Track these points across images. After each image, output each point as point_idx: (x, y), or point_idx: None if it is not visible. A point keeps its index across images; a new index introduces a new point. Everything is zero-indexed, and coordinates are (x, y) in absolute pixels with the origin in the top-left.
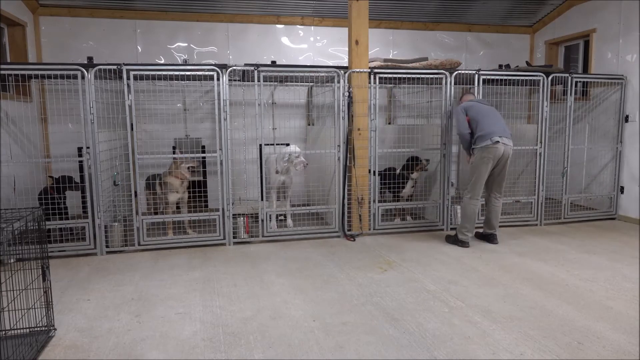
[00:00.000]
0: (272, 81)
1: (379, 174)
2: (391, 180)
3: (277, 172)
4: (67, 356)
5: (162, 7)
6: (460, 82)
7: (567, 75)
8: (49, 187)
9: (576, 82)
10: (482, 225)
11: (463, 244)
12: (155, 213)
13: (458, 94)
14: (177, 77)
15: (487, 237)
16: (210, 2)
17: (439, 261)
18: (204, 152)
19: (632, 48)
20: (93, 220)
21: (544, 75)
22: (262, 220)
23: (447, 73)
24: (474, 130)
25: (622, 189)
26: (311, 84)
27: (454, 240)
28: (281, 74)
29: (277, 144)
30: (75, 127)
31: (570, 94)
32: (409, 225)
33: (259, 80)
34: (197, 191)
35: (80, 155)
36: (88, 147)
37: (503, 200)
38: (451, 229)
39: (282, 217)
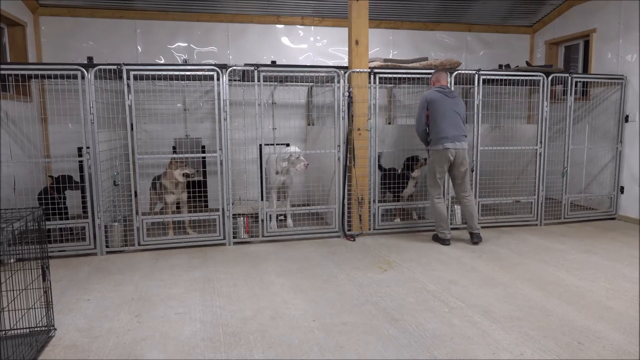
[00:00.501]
0: (272, 81)
1: (380, 172)
2: (392, 180)
3: (277, 172)
4: (67, 356)
5: (162, 7)
6: (460, 82)
7: (567, 75)
8: (49, 186)
9: (576, 82)
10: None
11: (443, 241)
12: (161, 212)
13: (459, 95)
14: (177, 77)
15: (470, 237)
16: (210, 2)
17: (438, 261)
18: (204, 152)
19: (632, 48)
20: (93, 220)
21: (544, 75)
22: (262, 220)
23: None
24: (430, 129)
25: (622, 189)
26: (311, 84)
27: (436, 238)
28: (281, 74)
29: (277, 144)
30: (75, 127)
31: (570, 94)
32: (409, 225)
33: (259, 80)
34: (197, 191)
35: (80, 155)
36: (88, 147)
37: (503, 200)
38: (451, 229)
39: (282, 217)
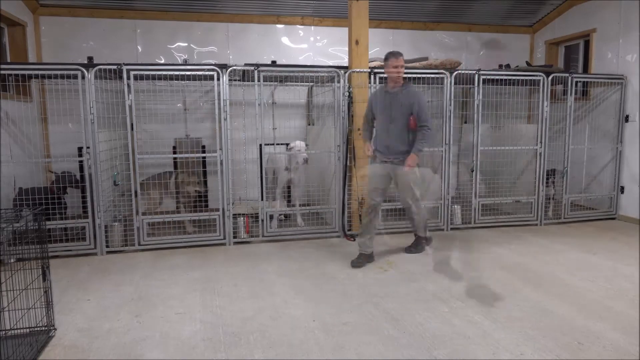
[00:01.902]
0: (272, 81)
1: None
2: None
3: (286, 168)
4: (67, 356)
5: (162, 7)
6: (460, 82)
7: (567, 75)
8: (49, 186)
9: (576, 82)
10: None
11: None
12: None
13: (459, 94)
14: (177, 77)
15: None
16: (210, 2)
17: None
18: (204, 152)
19: (632, 48)
20: (93, 220)
21: (544, 75)
22: (262, 220)
23: (447, 73)
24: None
25: (622, 189)
26: (311, 84)
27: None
28: (281, 74)
29: (277, 144)
30: (75, 127)
31: (570, 94)
32: (409, 225)
33: (259, 80)
34: (197, 191)
35: (80, 155)
36: (88, 147)
37: (504, 200)
38: (451, 228)
39: (282, 217)
